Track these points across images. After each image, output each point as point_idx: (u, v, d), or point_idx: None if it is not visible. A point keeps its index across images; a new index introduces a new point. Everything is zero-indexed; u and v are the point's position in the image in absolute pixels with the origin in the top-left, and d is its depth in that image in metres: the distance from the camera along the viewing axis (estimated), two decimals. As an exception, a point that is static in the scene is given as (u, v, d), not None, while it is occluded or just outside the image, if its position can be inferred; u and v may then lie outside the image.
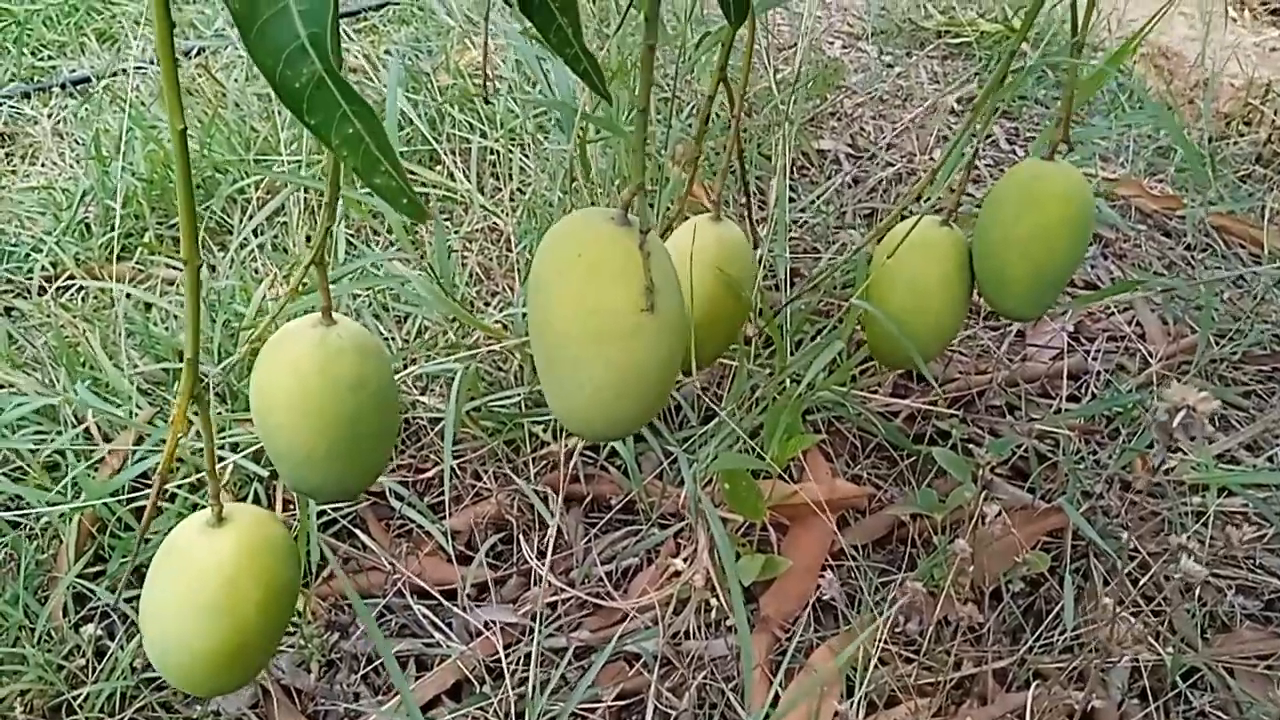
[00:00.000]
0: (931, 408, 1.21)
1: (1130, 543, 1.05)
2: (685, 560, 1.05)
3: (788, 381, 1.10)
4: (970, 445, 1.16)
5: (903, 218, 0.97)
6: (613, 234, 0.66)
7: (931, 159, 1.77)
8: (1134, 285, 1.33)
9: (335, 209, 0.68)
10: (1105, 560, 1.07)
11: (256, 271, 1.50)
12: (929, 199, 1.04)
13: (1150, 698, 0.97)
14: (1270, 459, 1.18)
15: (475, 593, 1.15)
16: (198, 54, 2.29)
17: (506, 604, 1.14)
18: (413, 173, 1.54)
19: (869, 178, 1.70)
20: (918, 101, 2.09)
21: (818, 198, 1.56)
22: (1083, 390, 1.28)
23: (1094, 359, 1.31)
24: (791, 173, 1.65)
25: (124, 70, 2.24)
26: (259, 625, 0.69)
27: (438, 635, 1.11)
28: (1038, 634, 1.00)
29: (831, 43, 2.42)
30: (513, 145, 1.51)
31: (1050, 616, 1.03)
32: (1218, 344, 1.33)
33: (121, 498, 1.15)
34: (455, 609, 1.14)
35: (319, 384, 0.72)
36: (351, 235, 1.55)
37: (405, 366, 1.21)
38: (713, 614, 1.04)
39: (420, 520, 1.19)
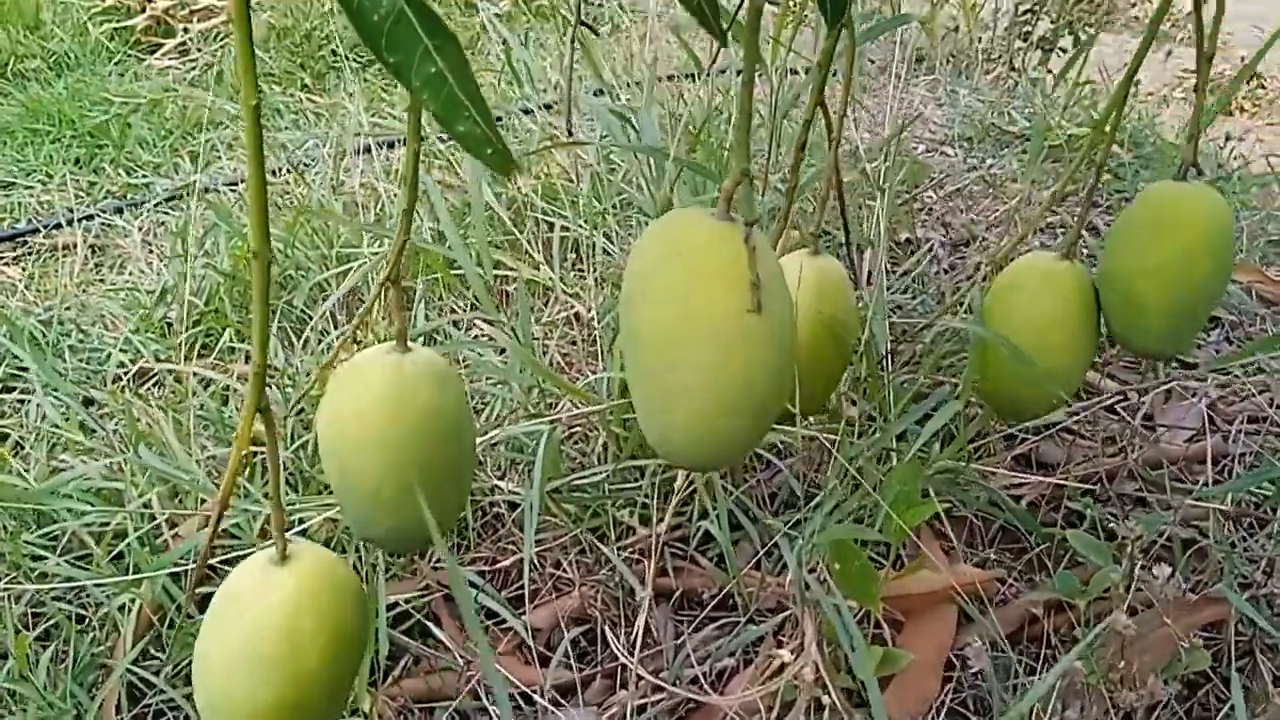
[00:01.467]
0: (1062, 483, 1.09)
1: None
2: (791, 652, 0.94)
3: (894, 454, 1.00)
4: (1107, 530, 1.04)
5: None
6: (714, 229, 0.59)
7: (1038, 244, 1.69)
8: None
9: (416, 174, 0.62)
10: (1273, 656, 0.93)
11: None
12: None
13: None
14: None
15: (557, 695, 1.05)
16: (287, 171, 2.33)
17: (591, 707, 1.03)
18: (499, 262, 1.51)
19: (964, 264, 1.62)
20: (1010, 196, 2.02)
21: (913, 280, 1.48)
22: (1224, 474, 1.15)
23: (1233, 442, 1.19)
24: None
25: (215, 188, 2.29)
26: (322, 677, 0.60)
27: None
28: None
29: (915, 147, 2.38)
30: (595, 230, 1.46)
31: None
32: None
33: (184, 584, 1.08)
34: (535, 713, 1.04)
35: (393, 413, 0.65)
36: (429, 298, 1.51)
37: (485, 434, 1.14)
38: (825, 714, 0.91)
39: (498, 612, 1.10)
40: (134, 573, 1.09)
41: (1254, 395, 1.24)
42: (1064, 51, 3.28)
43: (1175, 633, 0.92)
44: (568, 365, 1.40)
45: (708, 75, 1.01)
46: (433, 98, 0.43)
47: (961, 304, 1.49)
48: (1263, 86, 4.14)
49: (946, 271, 1.59)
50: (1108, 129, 0.83)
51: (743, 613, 1.07)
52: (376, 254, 1.67)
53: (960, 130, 2.47)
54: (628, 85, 1.94)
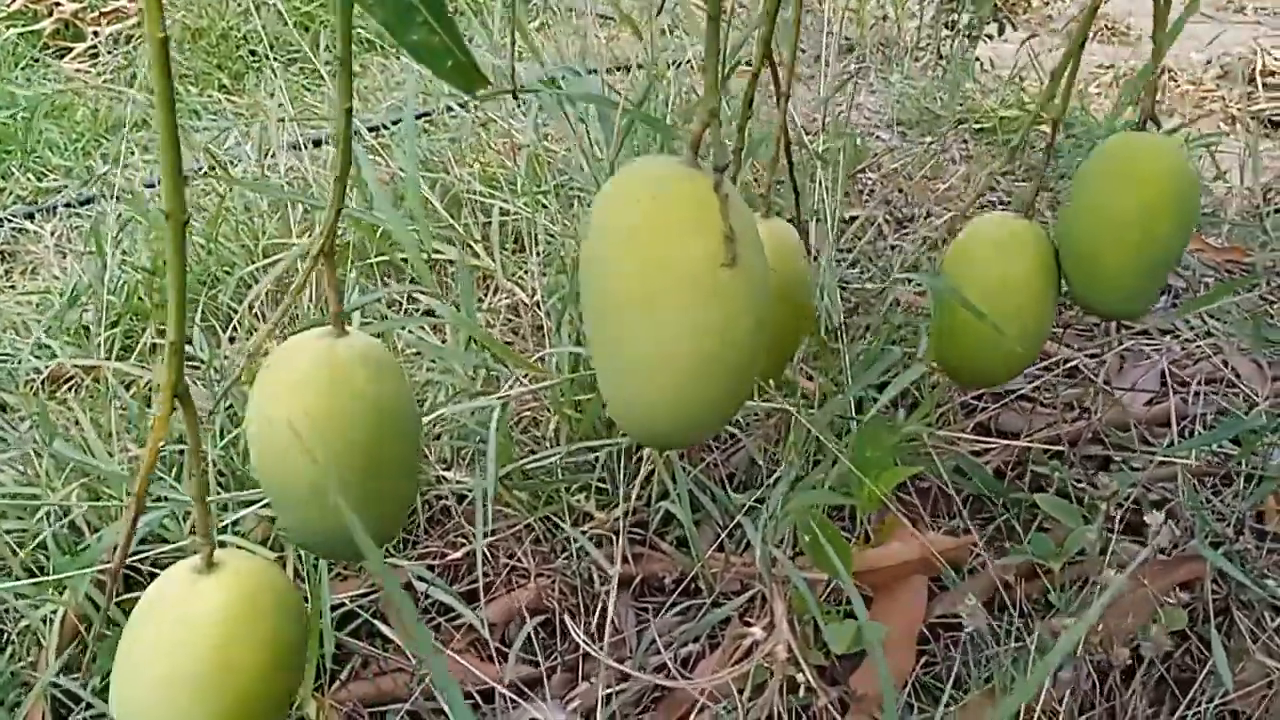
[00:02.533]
0: (1027, 446, 1.07)
1: (1277, 590, 0.91)
2: (763, 630, 0.90)
3: (854, 424, 0.97)
4: (1074, 495, 1.02)
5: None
6: (682, 176, 0.54)
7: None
8: (1246, 282, 1.19)
9: (349, 136, 0.56)
10: (1250, 613, 0.92)
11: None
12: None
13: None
14: None
15: (519, 689, 1.00)
16: (208, 170, 2.24)
17: (556, 700, 0.98)
18: (437, 250, 1.45)
19: (910, 240, 1.60)
20: (948, 176, 2.01)
21: (859, 255, 1.45)
22: (1186, 435, 1.14)
23: (1193, 402, 1.18)
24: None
25: (130, 192, 2.19)
26: (259, 693, 0.54)
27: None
28: (1189, 701, 0.84)
29: (851, 130, 2.37)
30: (536, 213, 1.41)
31: (1198, 682, 0.88)
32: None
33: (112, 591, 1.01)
34: (495, 711, 0.99)
35: (329, 404, 0.59)
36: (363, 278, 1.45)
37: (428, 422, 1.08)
38: (799, 693, 0.88)
39: (451, 608, 1.04)
40: (55, 584, 1.01)
41: (1209, 356, 1.23)
42: (989, 39, 3.31)
43: (1152, 594, 0.90)
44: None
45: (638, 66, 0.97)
46: (379, 5, 0.38)
47: (915, 271, 1.48)
48: (1173, 79, 4.23)
49: (893, 248, 1.57)
50: (1061, 86, 0.79)
51: (707, 595, 1.03)
52: (306, 247, 1.60)
53: (895, 114, 2.46)
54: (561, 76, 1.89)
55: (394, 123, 2.38)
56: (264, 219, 1.75)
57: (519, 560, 1.08)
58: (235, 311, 1.58)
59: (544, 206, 1.47)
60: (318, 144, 2.28)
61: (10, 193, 2.42)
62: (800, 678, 0.86)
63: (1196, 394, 1.18)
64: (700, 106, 0.54)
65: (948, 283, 0.82)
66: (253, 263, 1.62)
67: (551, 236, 1.38)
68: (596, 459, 1.10)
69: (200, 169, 2.25)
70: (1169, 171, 0.77)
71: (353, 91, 0.59)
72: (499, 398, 0.95)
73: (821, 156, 1.39)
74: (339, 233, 1.59)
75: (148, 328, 1.55)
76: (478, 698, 1.01)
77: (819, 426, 0.89)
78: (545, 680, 0.99)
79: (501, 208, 1.40)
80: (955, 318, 0.82)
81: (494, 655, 1.02)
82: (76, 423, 1.26)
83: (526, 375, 1.03)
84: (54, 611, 1.01)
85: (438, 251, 1.46)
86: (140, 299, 1.61)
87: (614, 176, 0.58)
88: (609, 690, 0.97)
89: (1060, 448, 1.09)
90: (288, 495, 0.61)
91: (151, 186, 2.19)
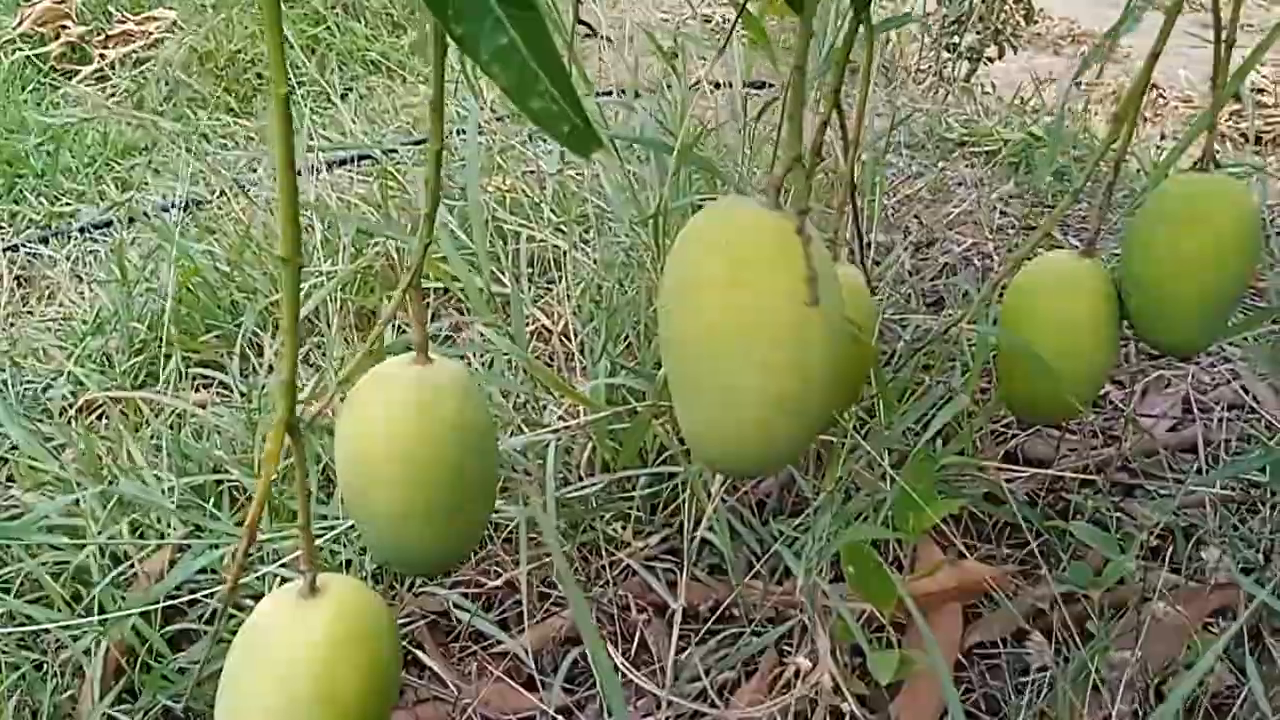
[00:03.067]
0: (1059, 475, 1.09)
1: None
2: (807, 658, 0.91)
3: (890, 454, 0.99)
4: (1103, 523, 1.03)
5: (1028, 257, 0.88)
6: (764, 219, 0.56)
7: (991, 246, 1.70)
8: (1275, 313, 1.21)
9: (439, 175, 0.58)
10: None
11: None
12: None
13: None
14: None
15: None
16: (223, 193, 2.26)
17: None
18: (455, 278, 1.46)
19: (928, 267, 1.62)
20: (958, 201, 2.04)
21: (885, 282, 1.47)
22: (1212, 461, 1.16)
23: (1217, 429, 1.20)
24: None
25: (145, 214, 2.20)
26: (360, 716, 0.56)
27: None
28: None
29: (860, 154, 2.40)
30: (564, 239, 1.43)
31: (1234, 710, 0.89)
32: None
33: (156, 625, 1.02)
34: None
35: (420, 428, 0.61)
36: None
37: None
38: (844, 721, 0.89)
39: (489, 636, 1.06)
40: (99, 612, 1.02)
41: (1228, 382, 1.25)
42: (990, 61, 3.36)
43: (1188, 622, 0.92)
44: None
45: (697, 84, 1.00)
46: (504, 70, 0.39)
47: (929, 304, 1.49)
48: (1162, 96, 4.27)
49: (913, 273, 1.59)
50: (1124, 123, 0.81)
51: (745, 623, 1.04)
52: (329, 273, 1.61)
53: (904, 139, 2.49)
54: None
55: (415, 143, 2.39)
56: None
57: (556, 589, 1.09)
58: (259, 338, 1.59)
59: (574, 237, 1.48)
60: (332, 166, 2.30)
61: (24, 217, 2.43)
62: (845, 707, 0.88)
63: (1219, 420, 1.20)
64: (784, 151, 0.55)
65: (1006, 324, 0.84)
66: (276, 290, 1.63)
67: (580, 264, 1.40)
68: (633, 487, 1.11)
69: (216, 193, 2.27)
70: (1240, 213, 0.79)
71: (443, 134, 0.61)
72: (551, 431, 0.97)
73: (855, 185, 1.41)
74: (365, 255, 1.60)
75: (172, 355, 1.56)
76: (517, 726, 1.02)
77: (877, 451, 0.91)
78: (578, 709, 1.00)
79: (529, 234, 1.42)
80: (1014, 355, 0.84)
81: (536, 683, 1.03)
82: (110, 451, 1.27)
83: (569, 404, 1.04)
84: (96, 643, 1.02)
85: (456, 279, 1.47)
86: (165, 326, 1.62)
87: (693, 220, 0.60)
88: (647, 717, 0.98)
89: (1091, 476, 1.11)
90: (378, 517, 0.63)
91: (166, 210, 2.21)
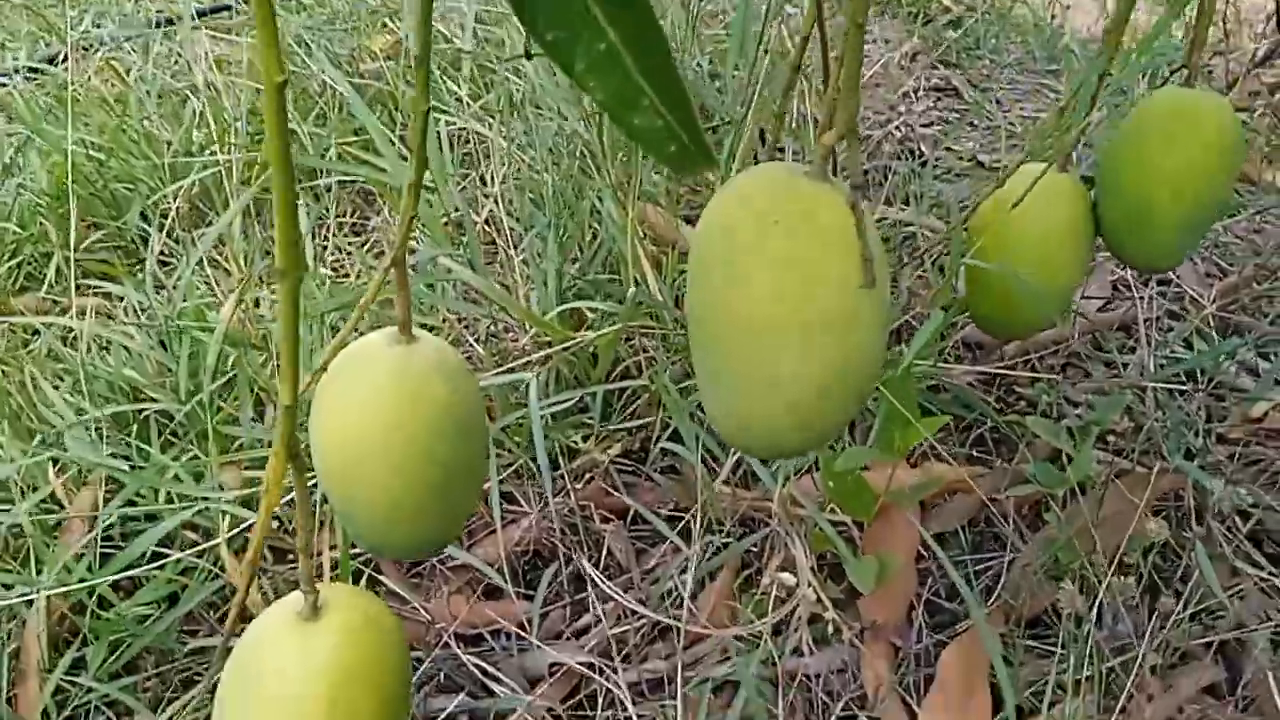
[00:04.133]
0: (1007, 373, 1.11)
1: (1249, 498, 0.98)
2: (779, 569, 0.92)
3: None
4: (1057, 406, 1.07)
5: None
6: (815, 193, 0.52)
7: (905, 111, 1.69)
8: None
9: (425, 142, 0.52)
10: (1224, 520, 0.99)
11: (206, 291, 1.30)
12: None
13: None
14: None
15: (518, 633, 1.00)
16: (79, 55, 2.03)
17: (568, 640, 0.99)
18: (365, 161, 1.37)
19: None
20: (869, 62, 2.00)
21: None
22: (1138, 341, 1.20)
23: (1144, 307, 1.23)
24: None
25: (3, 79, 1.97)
26: None
27: (495, 685, 0.95)
28: (1182, 606, 0.91)
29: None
30: (484, 122, 1.35)
31: (1184, 589, 0.95)
32: (1257, 283, 1.28)
33: (96, 569, 0.96)
34: (503, 651, 1.00)
35: (407, 417, 0.57)
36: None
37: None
38: (826, 628, 0.91)
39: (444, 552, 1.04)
40: (34, 564, 0.96)
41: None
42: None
43: (1139, 506, 0.96)
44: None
45: None
46: (600, 84, 0.34)
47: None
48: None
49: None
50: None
51: (715, 531, 1.04)
52: (218, 159, 1.48)
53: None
54: None
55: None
56: (156, 120, 1.62)
57: (519, 504, 1.07)
58: (147, 235, 1.48)
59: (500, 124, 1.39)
60: (170, 23, 2.10)
61: None
62: (828, 615, 0.90)
63: (1148, 299, 1.24)
64: (838, 113, 0.51)
65: (984, 237, 0.83)
66: (160, 182, 1.50)
67: (509, 155, 1.32)
68: (588, 401, 1.09)
69: (61, 56, 2.05)
70: (1224, 129, 0.78)
71: (429, 87, 0.54)
72: (539, 358, 0.93)
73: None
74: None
75: (53, 255, 1.43)
76: (487, 638, 1.01)
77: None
78: (542, 620, 1.00)
79: (447, 120, 1.33)
80: (991, 273, 0.83)
81: (488, 595, 1.03)
82: (4, 374, 1.17)
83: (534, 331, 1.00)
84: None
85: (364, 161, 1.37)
86: (41, 221, 1.48)
87: (726, 190, 0.55)
88: (615, 629, 0.99)
89: (1037, 375, 1.13)
90: (362, 504, 0.59)
91: (37, 74, 1.98)
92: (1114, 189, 0.82)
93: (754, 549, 1.01)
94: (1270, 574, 0.94)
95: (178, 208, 1.49)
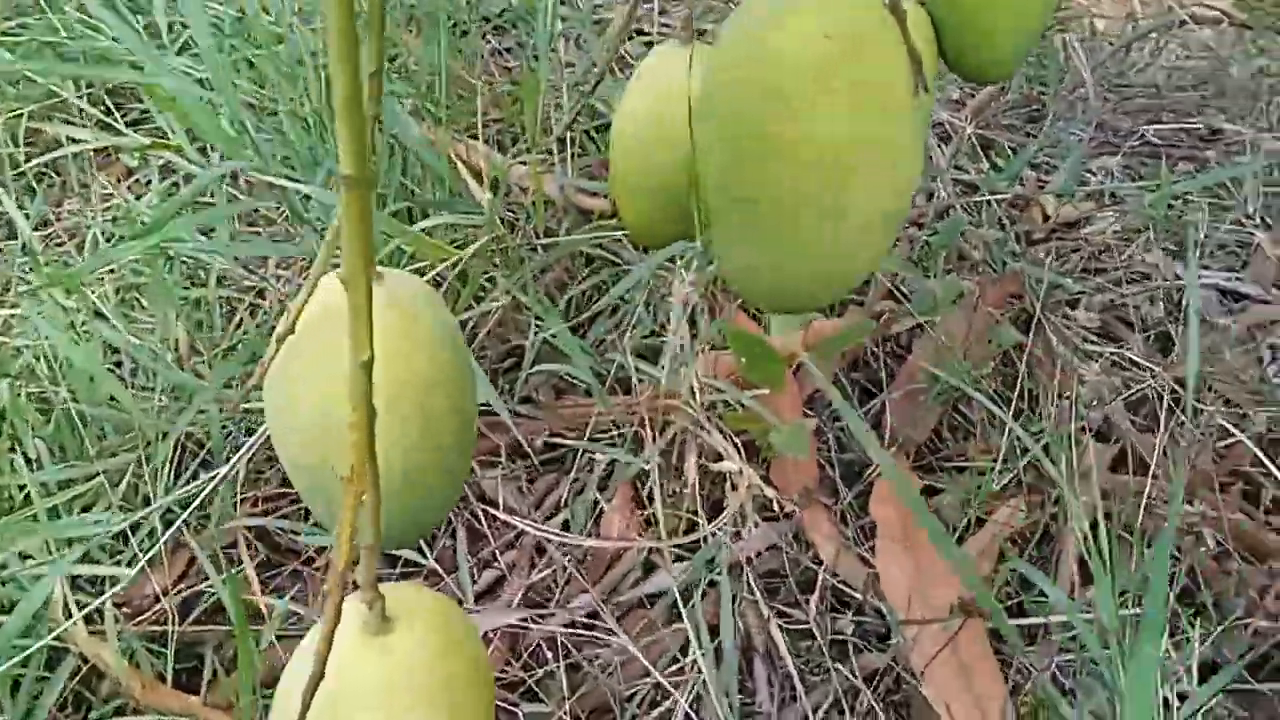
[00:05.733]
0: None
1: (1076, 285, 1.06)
2: (712, 460, 0.88)
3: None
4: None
5: None
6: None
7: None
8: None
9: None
10: (1055, 309, 1.06)
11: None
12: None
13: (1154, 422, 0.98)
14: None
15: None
16: None
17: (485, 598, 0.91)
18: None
19: None
20: None
21: None
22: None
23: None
24: None
25: None
26: None
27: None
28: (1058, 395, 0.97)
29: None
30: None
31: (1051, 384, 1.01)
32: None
33: None
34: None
35: (390, 382, 0.47)
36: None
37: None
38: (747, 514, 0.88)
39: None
40: None
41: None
42: None
43: (992, 313, 1.01)
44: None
45: None
46: None
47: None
48: None
49: None
50: None
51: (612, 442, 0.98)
52: None
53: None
54: None
55: None
56: None
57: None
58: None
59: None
60: None
61: None
62: (769, 494, 0.87)
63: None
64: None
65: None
66: None
67: None
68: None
69: None
70: None
71: None
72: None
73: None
74: None
75: None
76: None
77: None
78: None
79: None
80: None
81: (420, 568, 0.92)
82: None
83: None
84: None
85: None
86: None
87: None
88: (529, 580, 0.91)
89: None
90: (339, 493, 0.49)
91: None
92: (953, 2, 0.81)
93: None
94: (1113, 351, 1.02)
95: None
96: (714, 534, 0.87)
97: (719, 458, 0.88)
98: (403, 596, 0.46)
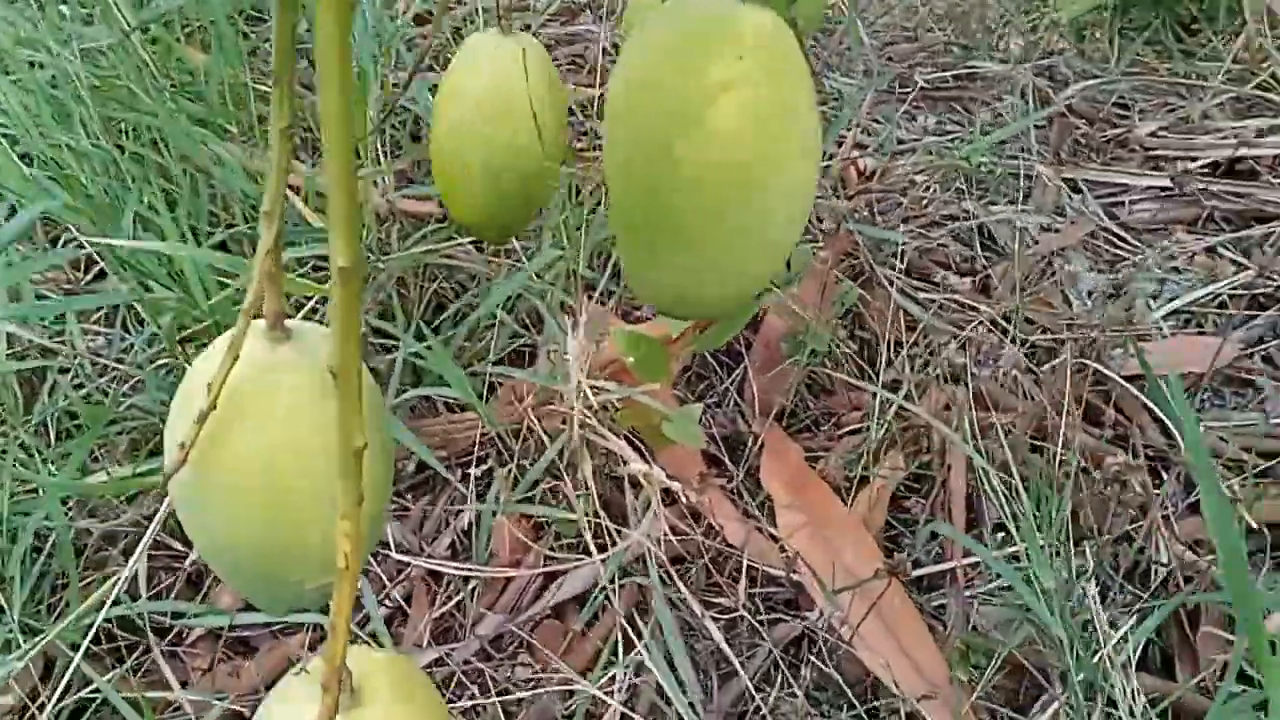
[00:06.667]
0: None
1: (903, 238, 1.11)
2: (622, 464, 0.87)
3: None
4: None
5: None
6: (758, 17, 0.48)
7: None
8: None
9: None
10: (876, 254, 1.11)
11: None
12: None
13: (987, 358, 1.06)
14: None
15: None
16: None
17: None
18: None
19: None
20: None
21: None
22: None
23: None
24: None
25: None
26: None
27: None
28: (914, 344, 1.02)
29: None
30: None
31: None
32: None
33: None
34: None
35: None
36: None
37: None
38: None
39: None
40: None
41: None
42: None
43: (834, 273, 1.05)
44: None
45: None
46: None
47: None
48: None
49: None
50: None
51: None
52: None
53: None
54: None
55: None
56: None
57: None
58: None
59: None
60: None
61: None
62: (674, 485, 0.87)
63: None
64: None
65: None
66: None
67: None
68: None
69: None
70: None
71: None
72: None
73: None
74: None
75: None
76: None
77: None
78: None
79: None
80: None
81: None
82: None
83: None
84: None
85: None
86: None
87: (660, 15, 0.49)
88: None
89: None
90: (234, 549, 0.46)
91: None
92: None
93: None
94: (944, 298, 1.09)
95: None
96: (618, 532, 0.87)
97: (612, 456, 0.87)
98: (361, 662, 0.43)
